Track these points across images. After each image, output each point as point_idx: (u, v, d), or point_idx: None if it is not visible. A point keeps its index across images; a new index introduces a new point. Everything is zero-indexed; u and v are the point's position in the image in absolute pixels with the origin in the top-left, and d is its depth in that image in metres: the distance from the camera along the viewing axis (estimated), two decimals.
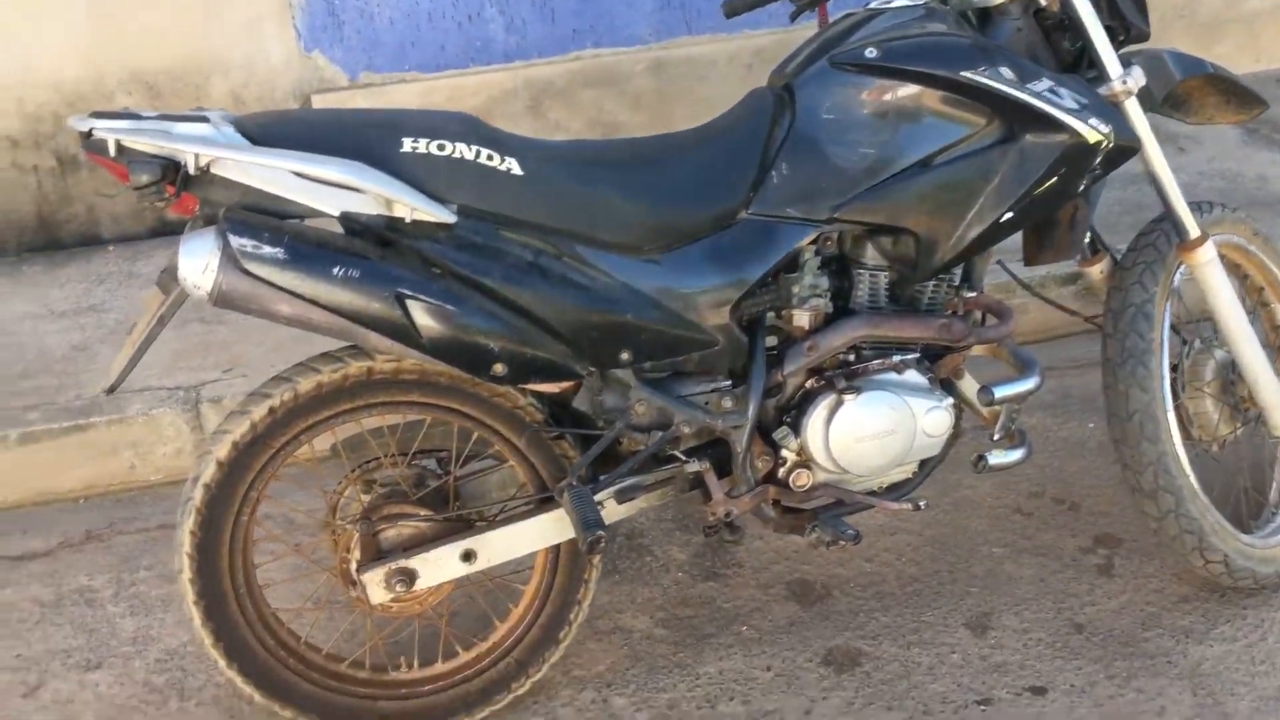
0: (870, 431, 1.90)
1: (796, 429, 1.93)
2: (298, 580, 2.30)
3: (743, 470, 1.92)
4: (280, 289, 1.61)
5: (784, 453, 1.95)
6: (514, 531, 1.90)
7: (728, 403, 1.90)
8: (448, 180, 1.69)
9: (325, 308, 1.63)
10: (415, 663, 2.04)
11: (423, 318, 1.66)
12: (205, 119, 1.65)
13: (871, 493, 2.02)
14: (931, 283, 1.96)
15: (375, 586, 1.86)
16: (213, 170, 1.62)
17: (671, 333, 1.80)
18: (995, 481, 2.61)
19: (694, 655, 2.21)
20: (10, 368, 3.06)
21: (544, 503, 1.92)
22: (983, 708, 2.04)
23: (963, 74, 1.79)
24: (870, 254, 1.94)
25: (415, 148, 1.69)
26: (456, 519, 1.93)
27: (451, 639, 2.05)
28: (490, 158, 1.71)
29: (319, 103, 3.77)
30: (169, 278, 1.72)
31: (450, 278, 1.69)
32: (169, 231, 3.89)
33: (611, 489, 1.87)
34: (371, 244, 1.68)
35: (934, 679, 2.11)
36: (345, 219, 1.66)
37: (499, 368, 1.72)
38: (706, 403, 1.90)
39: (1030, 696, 2.06)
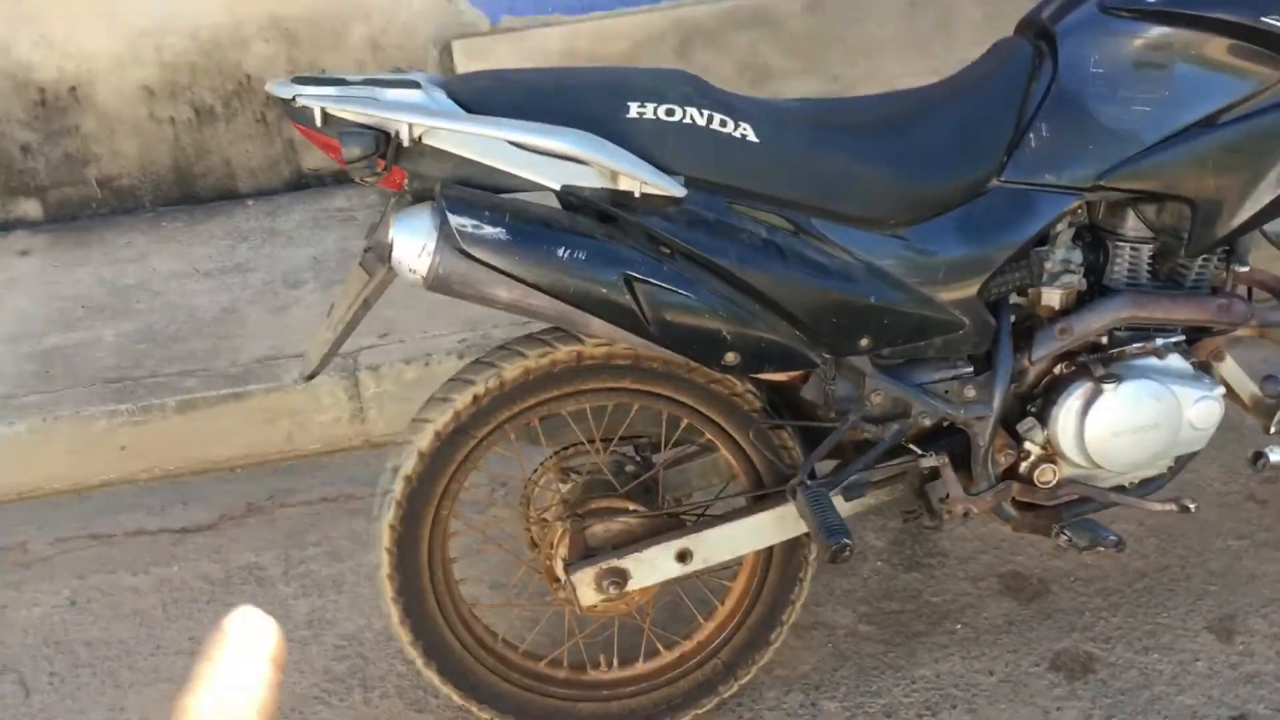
0: (1131, 425, 1.72)
1: (1044, 420, 1.76)
2: (488, 570, 2.20)
3: (984, 465, 1.75)
4: (501, 272, 1.48)
5: (1027, 446, 1.78)
6: (733, 530, 1.76)
7: (970, 391, 1.73)
8: (677, 149, 1.54)
9: (547, 292, 1.50)
10: (615, 662, 1.93)
11: (652, 303, 1.51)
12: (415, 84, 1.52)
13: (1119, 489, 1.84)
14: (1200, 257, 1.76)
15: (586, 587, 1.74)
16: (425, 141, 1.48)
17: (916, 315, 1.64)
18: (1221, 465, 2.41)
19: (906, 655, 2.06)
20: (163, 330, 3.00)
21: (762, 499, 1.78)
22: None
23: (1264, 19, 1.57)
24: (1131, 225, 1.74)
25: (642, 113, 1.53)
26: (668, 515, 1.80)
27: (654, 638, 1.93)
28: (723, 123, 1.55)
29: (460, 50, 3.63)
30: (374, 258, 1.60)
31: (680, 258, 1.54)
32: (305, 185, 3.81)
33: (839, 486, 1.72)
34: (593, 221, 1.54)
35: (1179, 690, 1.94)
36: (566, 193, 1.52)
37: (730, 356, 1.57)
38: (946, 391, 1.73)
39: None
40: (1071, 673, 2.00)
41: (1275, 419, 1.82)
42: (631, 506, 1.80)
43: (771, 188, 1.58)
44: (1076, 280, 1.74)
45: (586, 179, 1.51)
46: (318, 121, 1.48)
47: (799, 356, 1.61)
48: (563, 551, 1.78)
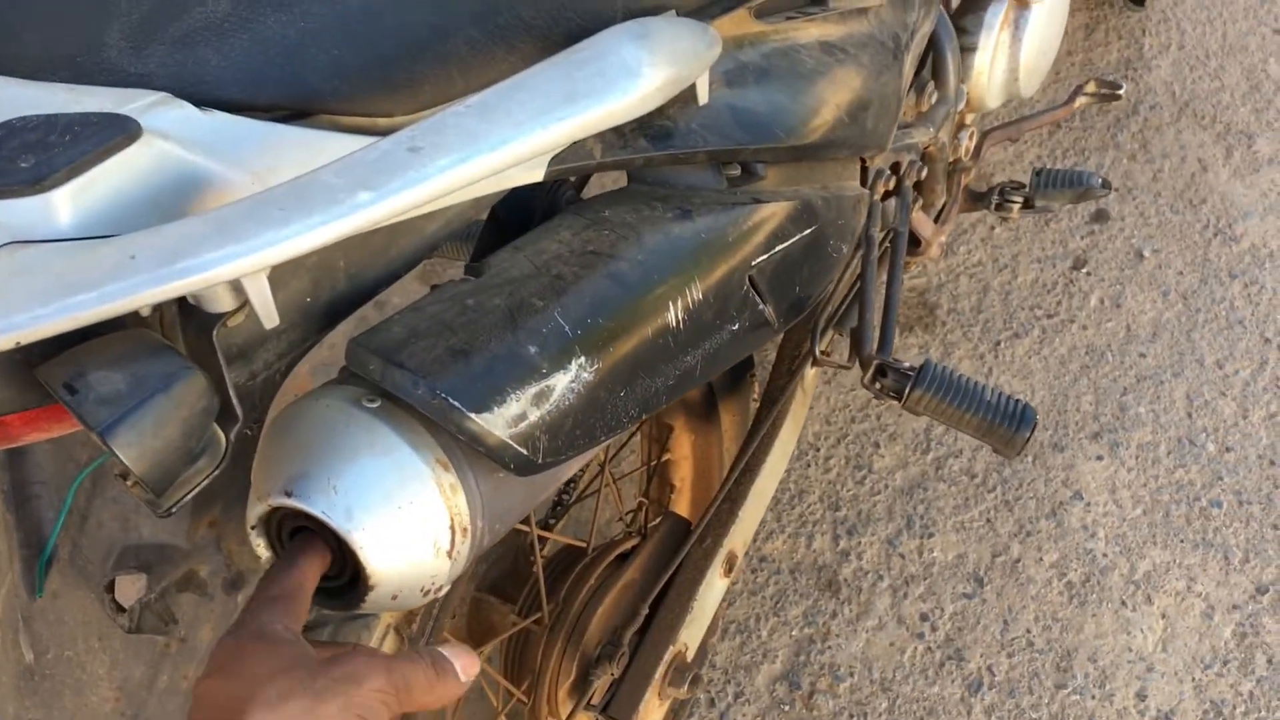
0: (1057, 31, 1.32)
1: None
2: None
3: (943, 176, 1.28)
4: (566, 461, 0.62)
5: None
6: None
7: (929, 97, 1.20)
8: None
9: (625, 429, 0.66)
10: None
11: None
12: (126, 126, 0.47)
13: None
14: None
15: None
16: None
17: None
18: None
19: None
20: None
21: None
22: None
23: None
24: None
25: None
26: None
27: None
28: None
29: None
30: (157, 617, 0.60)
31: None
32: None
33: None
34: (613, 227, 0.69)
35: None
36: (556, 177, 0.63)
37: None
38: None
39: None
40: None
41: None
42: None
43: None
44: None
45: (590, 120, 0.64)
46: None
47: None
48: None
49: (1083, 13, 2.08)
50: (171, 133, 0.48)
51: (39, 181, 0.45)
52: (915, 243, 1.31)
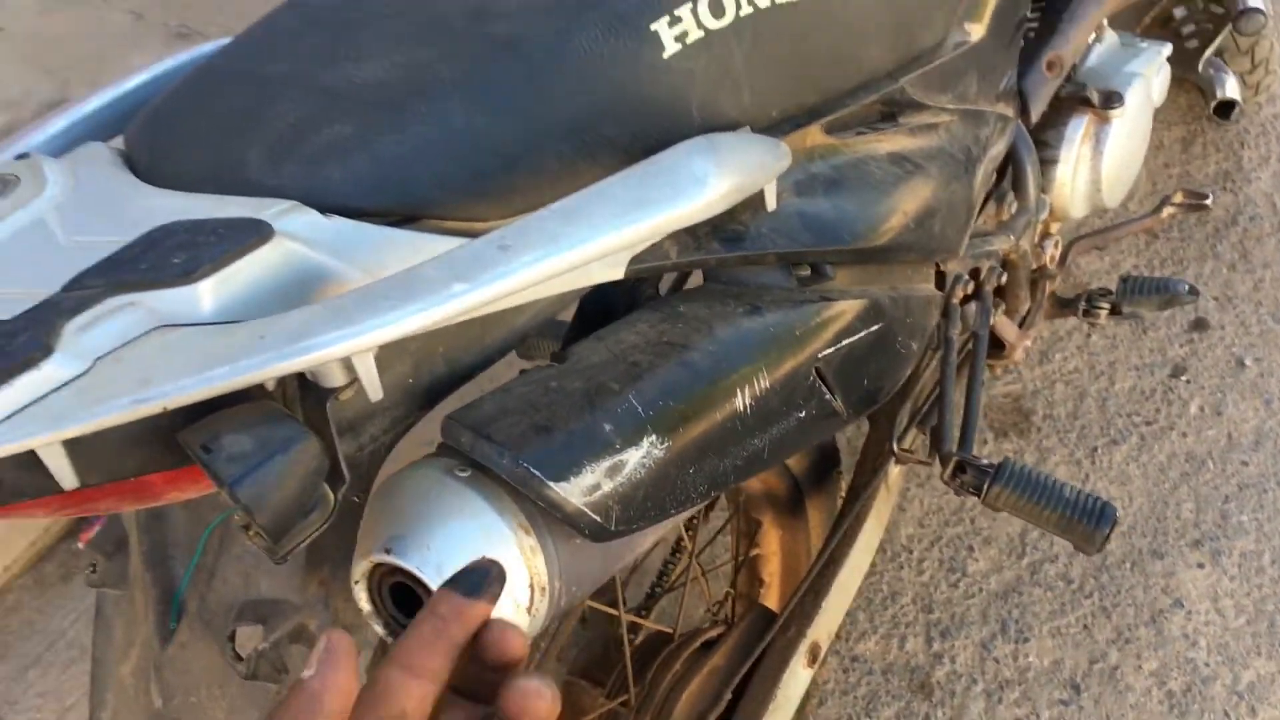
0: (1139, 144, 1.37)
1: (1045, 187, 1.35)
2: None
3: (1025, 283, 1.32)
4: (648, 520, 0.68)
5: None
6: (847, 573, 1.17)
7: (1008, 206, 1.25)
8: (754, 80, 0.77)
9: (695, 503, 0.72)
10: None
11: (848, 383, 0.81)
12: (261, 229, 0.56)
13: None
14: None
15: None
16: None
17: None
18: None
19: None
20: None
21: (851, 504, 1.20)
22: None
23: None
24: None
25: (683, 34, 0.72)
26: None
27: None
28: None
29: None
30: (270, 666, 0.67)
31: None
32: None
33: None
34: (684, 319, 0.75)
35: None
36: (637, 274, 0.70)
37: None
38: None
39: None
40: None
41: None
42: None
43: (861, 69, 0.88)
44: None
45: (659, 223, 0.71)
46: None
47: None
48: None
49: (1179, 126, 2.11)
50: (299, 235, 0.57)
51: (188, 275, 0.54)
52: (999, 346, 1.35)
